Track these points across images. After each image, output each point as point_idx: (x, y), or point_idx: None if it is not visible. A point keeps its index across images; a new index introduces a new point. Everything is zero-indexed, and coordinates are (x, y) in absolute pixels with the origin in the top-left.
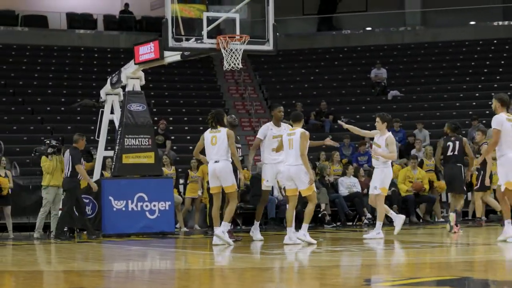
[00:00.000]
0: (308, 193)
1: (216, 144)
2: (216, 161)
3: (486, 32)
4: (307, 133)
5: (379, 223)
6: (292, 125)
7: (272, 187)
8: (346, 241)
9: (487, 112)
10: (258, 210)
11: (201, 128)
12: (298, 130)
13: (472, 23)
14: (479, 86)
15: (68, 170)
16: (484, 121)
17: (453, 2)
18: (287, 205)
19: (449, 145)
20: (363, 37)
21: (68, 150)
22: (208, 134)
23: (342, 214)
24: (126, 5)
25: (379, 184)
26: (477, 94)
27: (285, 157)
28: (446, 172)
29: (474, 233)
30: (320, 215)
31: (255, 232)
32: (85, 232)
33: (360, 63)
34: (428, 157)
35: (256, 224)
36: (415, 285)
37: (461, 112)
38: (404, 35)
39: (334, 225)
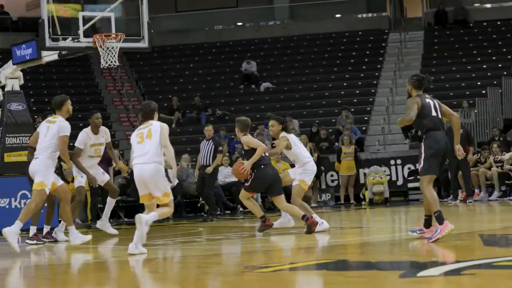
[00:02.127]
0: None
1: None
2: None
3: (351, 24)
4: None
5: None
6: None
7: None
8: (225, 229)
9: (355, 100)
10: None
11: (81, 124)
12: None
13: (338, 16)
14: (347, 76)
15: None
16: (352, 109)
17: None
18: None
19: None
20: (234, 32)
21: None
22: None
23: (221, 204)
24: (1, 6)
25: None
26: (344, 84)
27: None
28: None
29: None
30: (199, 205)
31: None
32: None
33: (233, 57)
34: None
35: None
36: (294, 269)
37: (330, 102)
38: (273, 29)
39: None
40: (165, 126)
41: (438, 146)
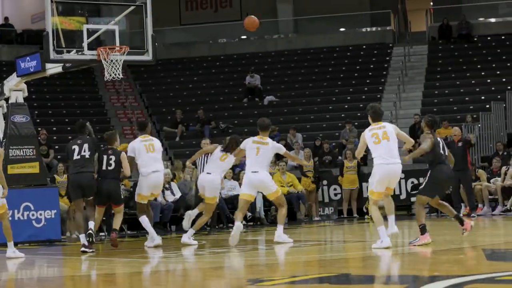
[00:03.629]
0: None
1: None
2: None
3: (355, 38)
4: None
5: None
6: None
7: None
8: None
9: (359, 114)
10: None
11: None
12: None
13: (342, 29)
14: (350, 90)
15: None
16: (356, 123)
17: (324, 10)
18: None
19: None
20: (238, 45)
21: None
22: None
23: (224, 217)
24: (6, 18)
25: None
26: (348, 98)
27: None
28: None
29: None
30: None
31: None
32: None
33: (236, 70)
34: (307, 158)
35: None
36: (297, 283)
37: (334, 115)
38: (277, 43)
39: (217, 227)
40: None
41: (442, 177)
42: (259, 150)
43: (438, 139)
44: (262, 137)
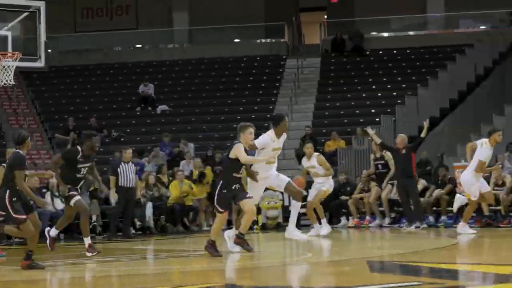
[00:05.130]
0: None
1: None
2: None
3: (249, 49)
4: None
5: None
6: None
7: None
8: (117, 251)
9: None
10: None
11: None
12: None
13: (236, 40)
14: (243, 100)
15: None
16: None
17: (219, 21)
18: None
19: None
20: (133, 54)
21: None
22: None
23: (113, 225)
24: None
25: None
26: (241, 108)
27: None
28: None
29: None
30: (91, 226)
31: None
32: None
33: (130, 79)
34: (196, 168)
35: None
36: None
37: (226, 126)
38: (172, 52)
39: (105, 235)
40: None
41: None
42: None
43: None
44: None
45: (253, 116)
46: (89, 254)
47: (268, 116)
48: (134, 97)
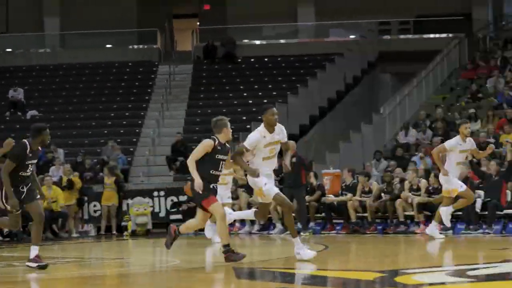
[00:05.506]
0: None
1: None
2: None
3: (121, 55)
4: None
5: None
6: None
7: None
8: None
9: (121, 131)
10: None
11: None
12: None
13: (108, 46)
14: (114, 106)
15: None
16: (119, 140)
17: (92, 26)
18: None
19: None
20: (3, 58)
21: None
22: None
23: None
24: None
25: None
26: (112, 114)
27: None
28: None
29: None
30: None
31: None
32: None
33: (0, 84)
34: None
35: None
36: None
37: (96, 132)
38: (43, 56)
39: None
40: None
41: None
42: None
43: None
44: None
45: (124, 122)
46: None
47: (139, 122)
48: (4, 102)
